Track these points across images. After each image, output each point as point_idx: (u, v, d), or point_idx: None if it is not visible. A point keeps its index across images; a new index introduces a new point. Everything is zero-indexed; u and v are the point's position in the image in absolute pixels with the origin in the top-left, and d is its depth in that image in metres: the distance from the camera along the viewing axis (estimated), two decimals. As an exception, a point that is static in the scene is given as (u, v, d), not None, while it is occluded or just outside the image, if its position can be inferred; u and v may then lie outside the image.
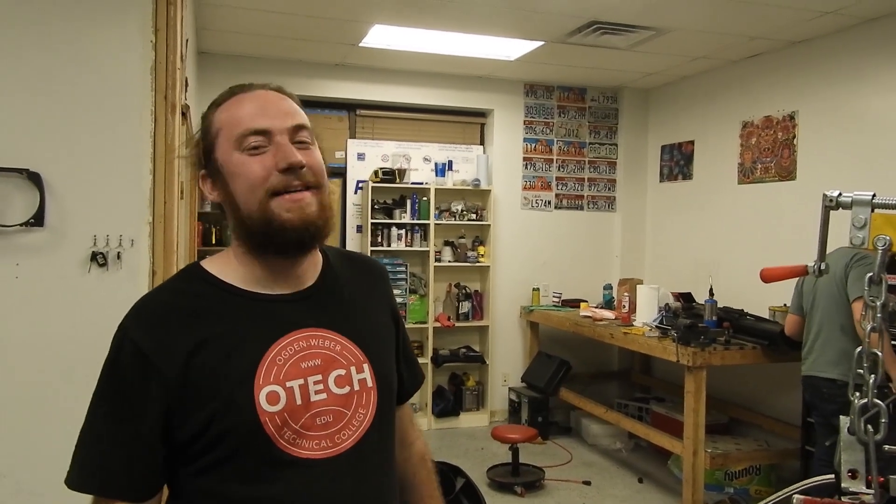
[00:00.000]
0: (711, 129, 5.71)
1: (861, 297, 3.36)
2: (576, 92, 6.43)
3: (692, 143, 5.95)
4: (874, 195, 1.03)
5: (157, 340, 1.02)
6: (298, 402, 1.04)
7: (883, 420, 0.99)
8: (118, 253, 2.45)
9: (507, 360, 6.26)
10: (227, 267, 1.12)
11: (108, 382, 1.04)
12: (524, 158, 6.31)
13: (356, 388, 1.10)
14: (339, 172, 6.02)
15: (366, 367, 1.12)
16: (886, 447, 1.13)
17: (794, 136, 4.92)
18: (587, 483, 4.86)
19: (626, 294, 5.25)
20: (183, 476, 1.05)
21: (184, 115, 3.27)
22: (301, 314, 1.10)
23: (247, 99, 1.10)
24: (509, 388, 6.14)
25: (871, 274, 1.02)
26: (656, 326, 4.68)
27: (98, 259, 2.41)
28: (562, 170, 6.41)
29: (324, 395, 1.06)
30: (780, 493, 1.08)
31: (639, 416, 5.58)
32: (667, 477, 4.96)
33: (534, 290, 6.21)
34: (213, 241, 5.31)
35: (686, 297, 5.16)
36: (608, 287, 6.01)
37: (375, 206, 5.89)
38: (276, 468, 1.02)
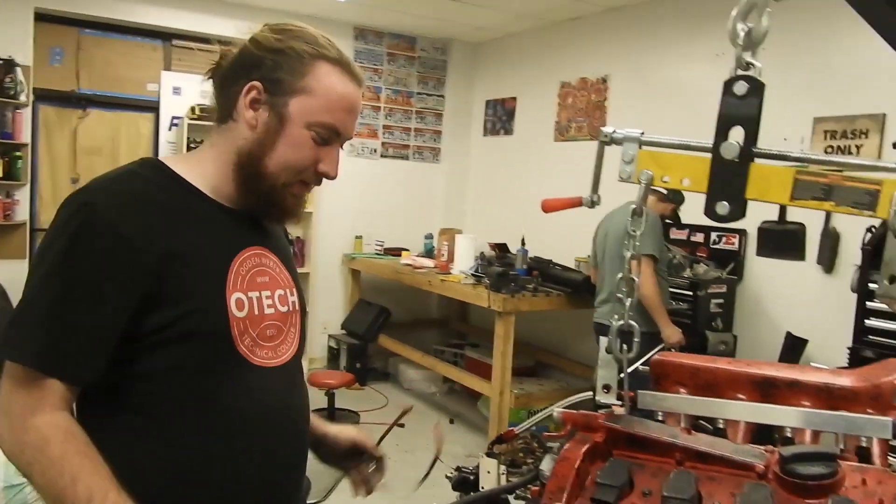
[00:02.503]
0: (532, 87, 5.92)
1: (643, 254, 3.68)
2: (406, 40, 6.40)
3: (514, 99, 6.15)
4: (642, 133, 1.10)
5: (137, 225, 1.02)
6: (256, 312, 1.12)
7: (636, 339, 1.08)
8: None
9: (328, 308, 6.23)
10: (197, 171, 1.13)
11: (72, 260, 0.99)
12: (352, 104, 6.21)
13: (290, 308, 1.20)
14: (152, 107, 5.62)
15: (294, 291, 1.23)
16: (640, 367, 1.24)
17: (605, 99, 5.22)
18: (401, 425, 4.96)
19: (445, 243, 5.38)
20: (129, 369, 1.04)
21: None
22: (254, 232, 1.17)
23: (348, 89, 1.13)
24: (329, 335, 6.13)
25: (634, 206, 1.10)
26: (472, 274, 4.85)
27: None
28: (389, 118, 6.39)
29: (272, 311, 1.16)
30: (545, 412, 1.15)
31: (454, 362, 5.79)
32: (476, 417, 5.21)
33: (356, 237, 6.20)
34: (0, 174, 4.80)
35: (502, 248, 5.38)
36: (429, 236, 6.13)
37: (192, 145, 5.54)
38: (234, 369, 1.09)
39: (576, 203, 1.25)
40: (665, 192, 3.83)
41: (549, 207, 1.31)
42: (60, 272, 1.00)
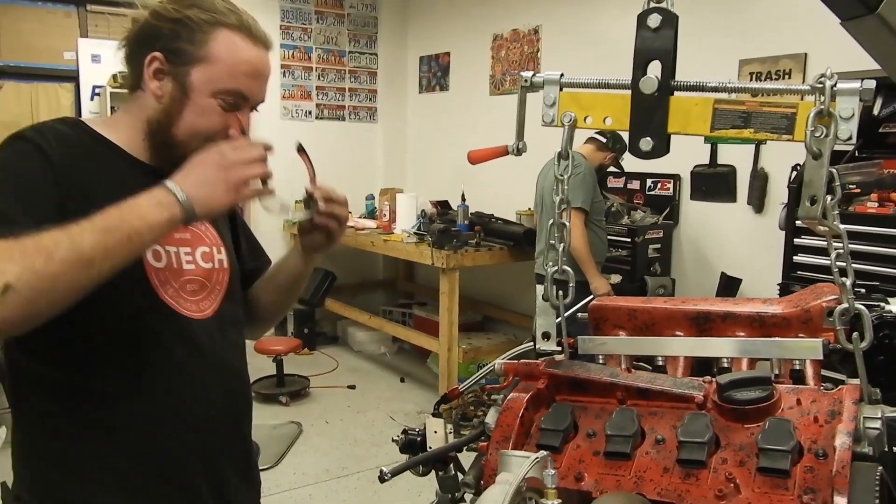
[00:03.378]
0: (465, 41, 5.86)
1: (571, 207, 3.72)
2: (334, -3, 6.23)
3: (448, 54, 6.08)
4: (562, 75, 1.10)
5: (63, 164, 1.04)
6: (175, 265, 1.16)
7: (571, 285, 1.09)
8: None
9: (271, 275, 6.14)
10: (115, 135, 1.15)
11: (5, 179, 1.02)
12: (282, 66, 6.05)
13: (216, 266, 1.23)
14: (71, 76, 5.36)
15: (222, 249, 1.26)
16: (579, 314, 1.26)
17: (538, 50, 5.21)
18: (352, 387, 5.00)
19: (386, 203, 5.35)
20: (56, 323, 0.99)
21: None
22: None
23: (250, 53, 1.13)
24: (274, 303, 6.06)
25: (559, 150, 1.10)
26: (414, 233, 4.84)
27: None
28: (322, 79, 6.25)
29: (192, 266, 1.19)
30: (488, 366, 1.16)
31: (402, 321, 5.81)
32: (426, 374, 5.25)
33: (296, 202, 6.07)
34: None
35: (443, 205, 5.37)
36: (370, 197, 6.07)
37: (116, 114, 5.34)
38: (160, 319, 1.12)
39: (501, 152, 1.25)
40: (603, 140, 3.85)
41: (475, 158, 1.31)
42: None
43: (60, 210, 1.00)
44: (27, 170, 1.03)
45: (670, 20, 0.97)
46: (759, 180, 3.97)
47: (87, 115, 5.38)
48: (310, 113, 6.22)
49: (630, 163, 4.15)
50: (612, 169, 4.12)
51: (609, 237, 4.08)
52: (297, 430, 4.25)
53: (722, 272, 4.04)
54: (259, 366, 5.14)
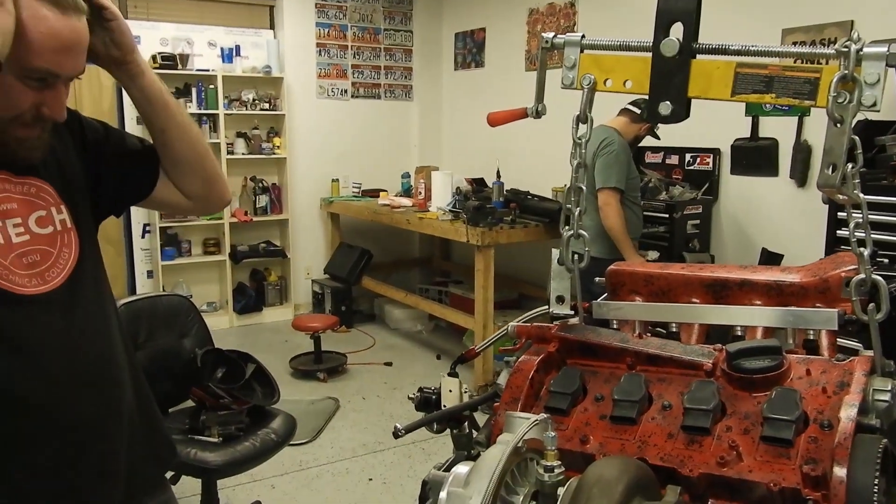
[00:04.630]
0: (501, 16, 5.79)
1: (603, 187, 3.66)
2: (369, -25, 6.22)
3: (483, 30, 6.02)
4: (583, 36, 1.07)
5: None
6: (2, 241, 1.05)
7: (586, 249, 1.07)
8: None
9: (309, 253, 6.21)
10: None
11: None
12: (318, 44, 6.07)
13: (58, 228, 1.13)
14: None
15: (63, 208, 1.14)
16: (597, 279, 1.24)
17: (574, 24, 5.12)
18: (388, 364, 5.04)
19: (422, 181, 5.34)
20: None
21: None
22: None
23: (51, 24, 0.98)
24: (312, 281, 6.13)
25: (577, 113, 1.08)
26: (449, 210, 4.83)
27: None
28: (357, 57, 6.26)
29: (26, 237, 1.08)
30: (504, 329, 1.15)
31: (439, 299, 5.82)
32: (462, 351, 5.25)
33: (333, 181, 6.14)
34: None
35: (479, 182, 5.35)
36: (406, 175, 6.07)
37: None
38: None
39: (520, 114, 1.24)
40: (637, 110, 3.77)
41: (494, 120, 1.29)
42: None
43: None
44: None
45: (693, -20, 0.94)
46: (802, 153, 3.85)
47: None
48: (345, 91, 6.24)
49: (669, 137, 4.06)
50: (648, 142, 4.05)
51: (646, 213, 4.02)
52: (334, 405, 4.30)
53: (763, 248, 3.94)
54: (297, 342, 5.22)
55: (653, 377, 0.94)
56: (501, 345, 4.58)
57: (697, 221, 4.22)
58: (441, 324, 5.77)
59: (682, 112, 1.01)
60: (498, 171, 4.87)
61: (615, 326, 1.11)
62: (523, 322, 1.15)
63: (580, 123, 1.08)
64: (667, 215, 4.15)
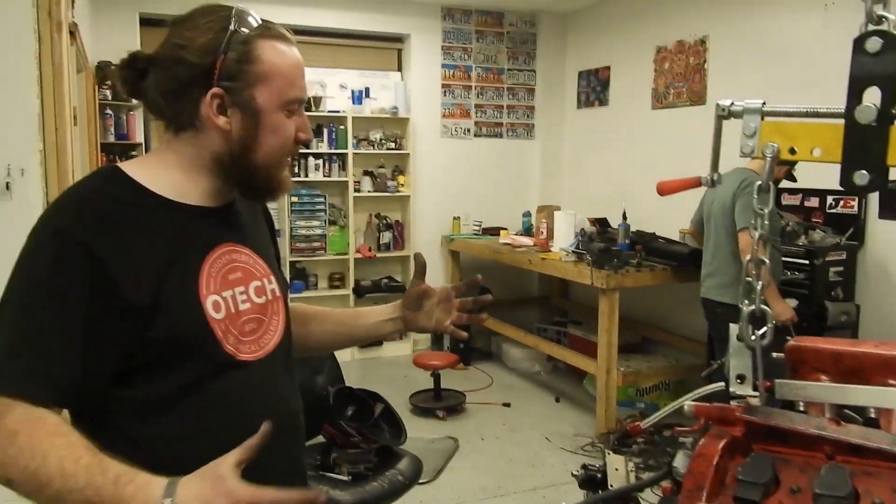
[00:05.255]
0: (627, 54, 5.73)
1: (746, 227, 3.51)
2: (494, 16, 6.32)
3: (608, 68, 5.97)
4: (764, 103, 1.03)
5: (108, 246, 1.01)
6: (233, 310, 1.12)
7: (769, 325, 1.02)
8: (7, 183, 2.31)
9: (428, 289, 6.28)
10: (162, 178, 1.11)
11: (47, 285, 0.99)
12: (443, 85, 6.21)
13: (269, 297, 1.20)
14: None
15: (272, 278, 1.22)
16: (774, 354, 1.17)
17: (704, 61, 4.99)
18: (507, 405, 5.00)
19: (543, 221, 5.31)
20: (120, 383, 1.04)
21: (72, 34, 3.05)
22: (222, 229, 1.16)
23: (293, 56, 1.13)
24: (431, 317, 6.18)
25: (759, 182, 1.03)
26: (572, 251, 4.77)
27: (-14, 189, 2.25)
28: (481, 97, 6.35)
29: (248, 305, 1.15)
30: (675, 403, 1.11)
31: (557, 340, 5.74)
32: (582, 395, 5.15)
33: (454, 218, 6.22)
34: (118, 174, 5.05)
35: (602, 223, 5.26)
36: (527, 214, 6.07)
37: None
38: (223, 370, 1.10)
39: (693, 183, 1.19)
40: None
41: (665, 190, 1.25)
42: (27, 298, 1.00)
43: (98, 300, 0.99)
44: (62, 291, 0.99)
45: (892, 44, 0.89)
46: (965, 199, 3.56)
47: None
48: (468, 130, 6.33)
49: (808, 178, 3.86)
50: (785, 183, 3.86)
51: (784, 259, 3.82)
52: (453, 445, 4.30)
53: (918, 300, 3.66)
54: (416, 378, 5.28)
55: (857, 469, 0.87)
56: (625, 392, 4.45)
57: (841, 268, 3.97)
58: (559, 365, 5.69)
59: (880, 182, 0.95)
60: (624, 213, 4.78)
61: (801, 408, 1.04)
62: (697, 399, 1.10)
63: (761, 193, 1.03)
64: (807, 261, 3.93)
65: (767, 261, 1.03)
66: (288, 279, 1.44)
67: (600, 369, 4.37)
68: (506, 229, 5.96)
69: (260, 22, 1.12)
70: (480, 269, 6.21)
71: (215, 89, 1.08)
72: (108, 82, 4.94)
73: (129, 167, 1.12)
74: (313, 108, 5.63)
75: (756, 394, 1.03)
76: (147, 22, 5.34)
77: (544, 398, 5.19)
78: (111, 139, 5.04)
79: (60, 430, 0.95)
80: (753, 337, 1.04)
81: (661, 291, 5.11)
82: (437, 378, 4.89)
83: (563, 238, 4.99)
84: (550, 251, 5.04)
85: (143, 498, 0.89)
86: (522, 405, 5.03)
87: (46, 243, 1.01)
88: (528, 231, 5.92)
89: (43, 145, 2.39)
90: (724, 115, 1.07)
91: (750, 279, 1.04)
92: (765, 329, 1.02)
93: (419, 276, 1.42)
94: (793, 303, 3.79)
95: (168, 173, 1.12)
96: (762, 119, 1.05)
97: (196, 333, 1.07)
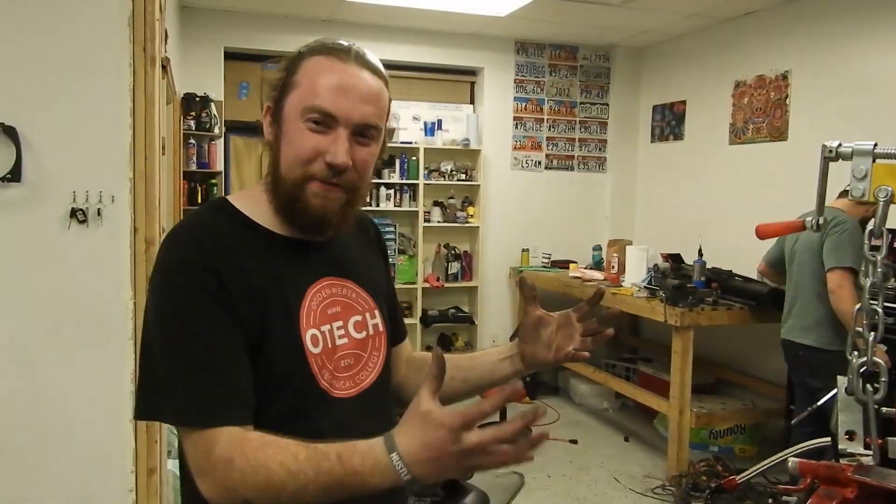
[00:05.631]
0: (703, 88, 5.64)
1: (835, 267, 3.38)
2: (567, 50, 6.32)
3: (684, 103, 5.89)
4: (875, 144, 0.99)
5: (232, 275, 1.03)
6: (329, 345, 1.11)
7: (883, 379, 0.97)
8: (98, 209, 2.39)
9: (495, 321, 6.27)
10: (258, 207, 1.12)
11: (192, 313, 1.01)
12: (514, 118, 6.23)
13: (370, 332, 1.18)
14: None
15: (377, 313, 1.20)
16: (884, 409, 1.11)
17: (786, 96, 4.87)
18: (574, 442, 4.90)
19: (615, 255, 5.23)
20: None
21: (164, 68, 3.18)
22: (324, 262, 1.15)
23: (335, 69, 1.07)
24: (498, 349, 6.14)
25: (871, 227, 0.99)
26: (645, 287, 4.68)
27: (78, 216, 2.34)
28: (552, 130, 6.34)
29: (345, 340, 1.14)
30: (775, 457, 1.06)
31: (626, 377, 5.61)
32: (652, 435, 5.01)
33: (523, 251, 6.19)
34: (199, 200, 5.23)
35: (675, 258, 5.14)
36: (598, 248, 5.99)
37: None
38: (317, 405, 1.09)
39: (797, 227, 1.16)
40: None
41: (766, 234, 1.22)
42: (178, 328, 1.02)
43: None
44: (207, 314, 1.02)
45: None
46: None
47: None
48: (539, 163, 6.32)
49: (891, 218, 3.69)
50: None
51: (872, 302, 3.65)
52: (519, 481, 4.22)
53: None
54: (482, 411, 5.22)
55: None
56: (698, 434, 4.29)
57: (934, 313, 3.77)
58: (628, 403, 5.55)
59: None
60: (700, 250, 4.66)
61: (917, 470, 0.98)
62: (799, 455, 1.05)
63: (873, 238, 0.99)
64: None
65: (881, 311, 0.98)
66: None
67: (673, 409, 4.24)
68: (575, 262, 5.90)
69: (322, 44, 1.11)
70: (548, 301, 6.09)
71: (268, 103, 1.12)
72: (193, 113, 5.14)
73: (235, 199, 1.14)
74: (387, 140, 5.71)
75: (869, 452, 0.98)
76: (231, 56, 5.54)
77: (613, 437, 5.07)
78: (193, 167, 5.23)
79: (266, 440, 0.98)
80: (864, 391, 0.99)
81: (736, 331, 4.95)
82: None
83: (635, 273, 4.90)
84: (622, 286, 4.96)
85: (371, 462, 0.90)
86: (590, 443, 4.93)
87: (175, 275, 1.03)
88: (598, 265, 5.84)
89: (133, 173, 2.48)
90: (831, 156, 1.04)
91: (861, 329, 0.99)
92: (878, 384, 0.97)
93: (531, 302, 1.28)
94: (881, 349, 3.61)
95: (258, 203, 1.13)
96: (874, 161, 1.01)
97: (294, 367, 1.07)
